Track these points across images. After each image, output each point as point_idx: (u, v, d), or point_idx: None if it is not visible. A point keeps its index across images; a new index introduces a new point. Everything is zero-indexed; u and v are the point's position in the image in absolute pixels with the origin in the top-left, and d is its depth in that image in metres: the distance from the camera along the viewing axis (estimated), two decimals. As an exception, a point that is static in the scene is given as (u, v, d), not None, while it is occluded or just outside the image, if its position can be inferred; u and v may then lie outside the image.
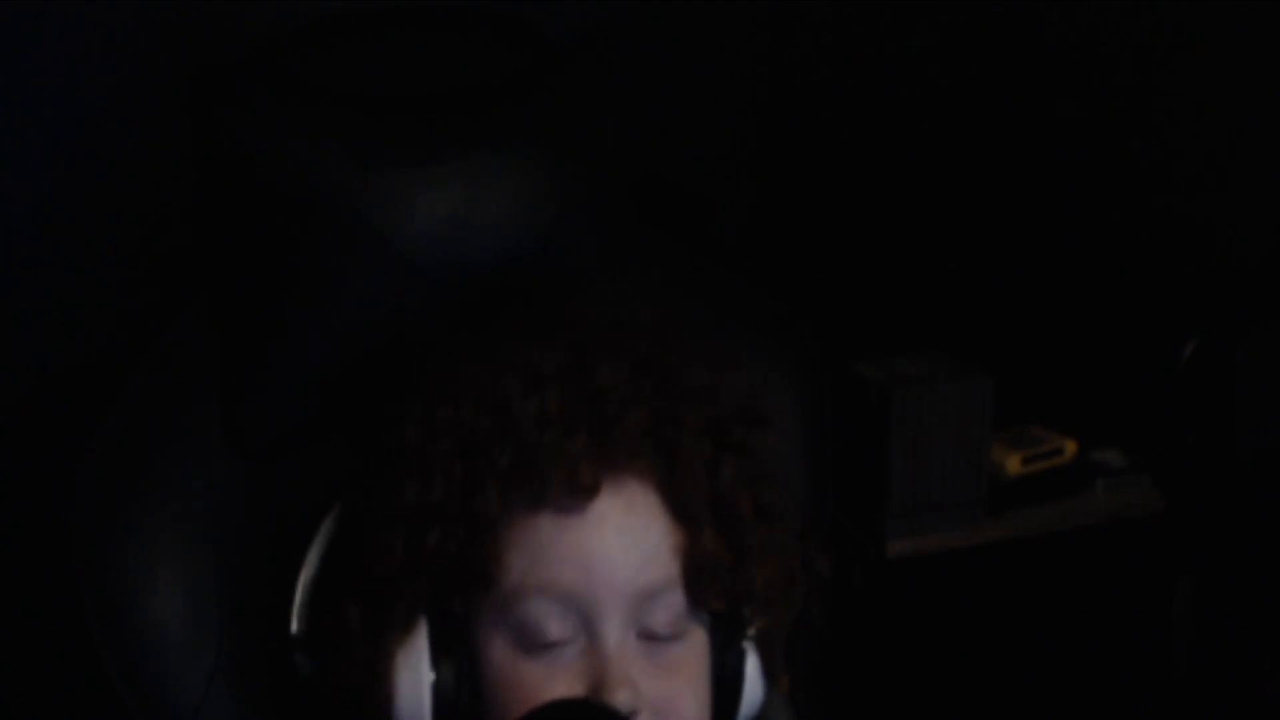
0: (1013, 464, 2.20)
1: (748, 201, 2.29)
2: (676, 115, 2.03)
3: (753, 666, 1.11)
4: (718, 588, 1.07)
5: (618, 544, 1.04)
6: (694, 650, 1.08)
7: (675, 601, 1.06)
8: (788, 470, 1.23)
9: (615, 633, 1.03)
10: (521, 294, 1.16)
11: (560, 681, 1.03)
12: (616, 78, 1.27)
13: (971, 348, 2.22)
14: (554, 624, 1.03)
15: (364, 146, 1.18)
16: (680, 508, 1.06)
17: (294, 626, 1.13)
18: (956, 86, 2.36)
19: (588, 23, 1.39)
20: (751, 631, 1.10)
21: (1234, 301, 2.23)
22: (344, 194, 1.16)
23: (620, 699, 1.02)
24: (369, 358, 1.17)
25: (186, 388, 1.19)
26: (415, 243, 1.17)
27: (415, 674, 1.05)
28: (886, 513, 2.12)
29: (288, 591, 1.14)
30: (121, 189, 1.71)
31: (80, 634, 1.13)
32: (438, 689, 1.05)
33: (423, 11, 1.27)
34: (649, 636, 1.05)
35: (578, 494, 1.03)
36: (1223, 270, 2.26)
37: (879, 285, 2.35)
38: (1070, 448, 2.25)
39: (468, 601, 1.05)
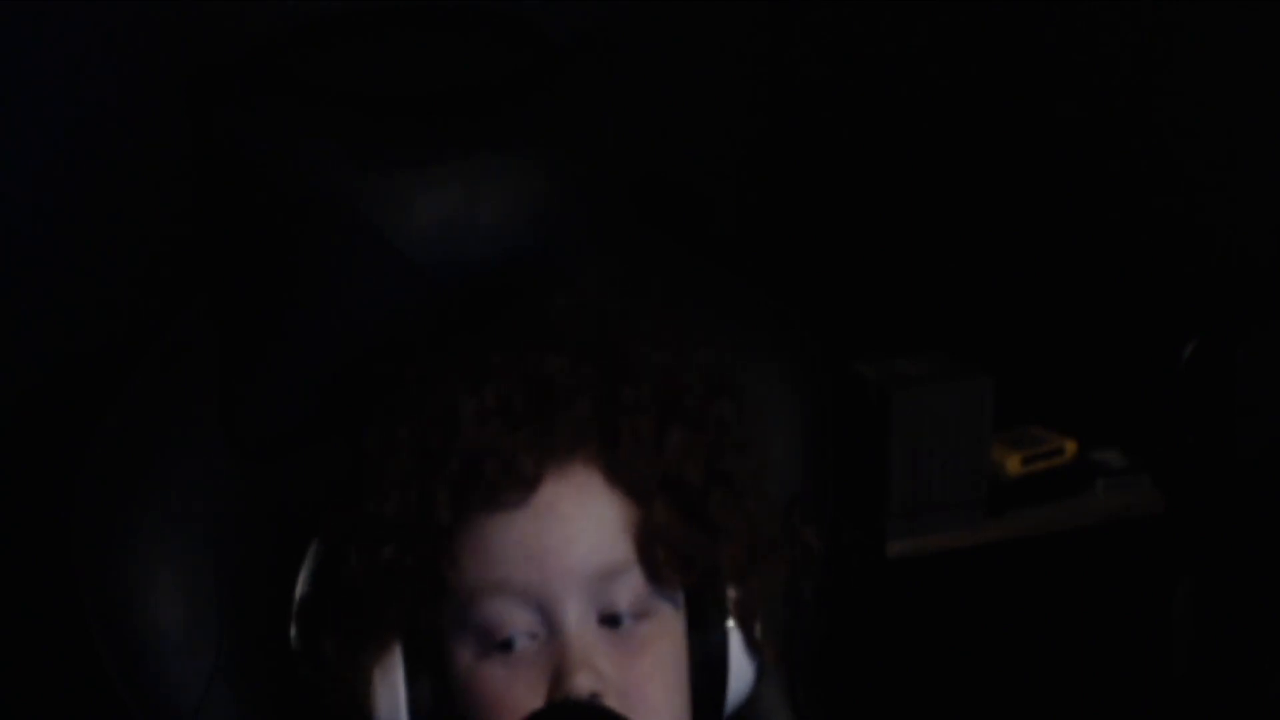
0: (1013, 464, 2.20)
1: (748, 201, 2.29)
2: (676, 115, 2.03)
3: (736, 645, 1.10)
4: (675, 561, 1.06)
5: (567, 531, 1.04)
6: (663, 631, 1.07)
7: (635, 582, 1.05)
8: (787, 470, 1.23)
9: (574, 619, 1.03)
10: (512, 293, 1.16)
11: (521, 678, 1.03)
12: (616, 78, 1.27)
13: (971, 348, 2.22)
14: (513, 621, 1.03)
15: (364, 146, 1.18)
16: (628, 484, 1.06)
17: (293, 632, 1.14)
18: (956, 86, 2.36)
19: (588, 23, 1.39)
20: (729, 604, 1.10)
21: (1234, 301, 2.23)
22: (344, 194, 1.16)
23: (579, 682, 1.01)
24: (369, 358, 1.17)
25: (186, 388, 1.19)
26: (415, 243, 1.17)
27: (392, 692, 1.05)
28: (886, 513, 2.12)
29: (288, 592, 1.14)
30: (122, 189, 1.71)
31: (80, 634, 1.13)
32: (414, 707, 1.05)
33: (423, 11, 1.28)
34: (612, 621, 1.05)
35: (518, 487, 1.03)
36: (1223, 270, 2.26)
37: (879, 285, 2.35)
38: (1070, 448, 2.25)
39: (431, 613, 1.05)
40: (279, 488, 1.18)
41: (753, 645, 1.11)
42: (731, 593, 1.10)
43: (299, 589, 1.13)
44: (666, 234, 1.32)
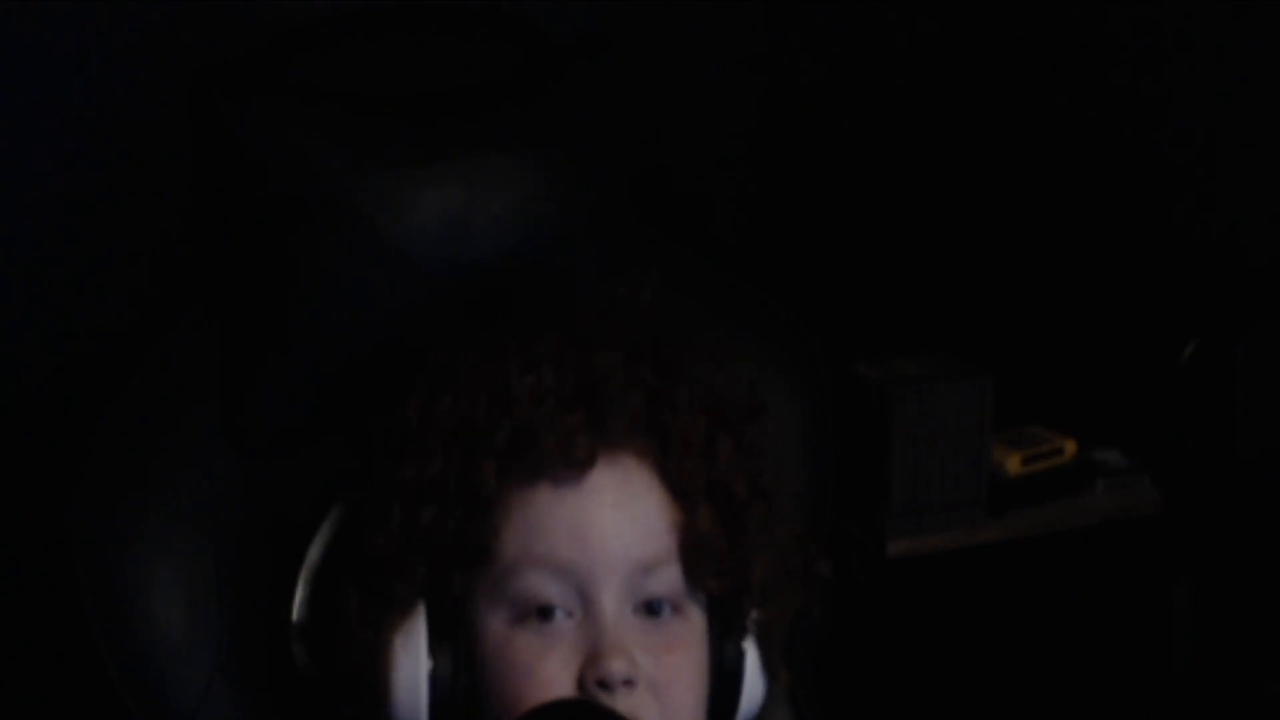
0: (1013, 464, 2.20)
1: (748, 201, 2.29)
2: (676, 115, 2.03)
3: (753, 663, 1.11)
4: (713, 566, 1.07)
5: (614, 516, 1.05)
6: (692, 631, 1.08)
7: (672, 576, 1.06)
8: (788, 470, 1.23)
9: (612, 604, 1.04)
10: (515, 293, 1.17)
11: (556, 653, 1.03)
12: (616, 78, 1.27)
13: (971, 348, 2.22)
14: (551, 595, 1.04)
15: (364, 146, 1.18)
16: (676, 485, 1.07)
17: (293, 627, 1.14)
18: (957, 86, 2.36)
19: (588, 23, 1.39)
20: (750, 623, 1.10)
21: (1234, 301, 2.23)
22: (344, 194, 1.16)
23: (616, 668, 1.02)
24: (369, 357, 1.17)
25: (186, 388, 1.19)
26: (415, 243, 1.17)
27: (413, 660, 1.05)
28: (886, 513, 2.12)
29: (287, 592, 1.14)
30: (122, 189, 1.71)
31: (80, 634, 1.13)
32: (434, 677, 1.05)
33: (422, 11, 1.27)
34: (647, 612, 1.06)
35: (574, 466, 1.04)
36: (1223, 270, 2.26)
37: (879, 285, 2.35)
38: (1070, 448, 2.25)
39: (465, 579, 1.05)
40: (279, 487, 1.18)
41: (767, 665, 1.12)
42: (754, 614, 1.11)
43: (307, 567, 1.13)
44: (667, 234, 1.32)
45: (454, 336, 1.11)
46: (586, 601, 1.04)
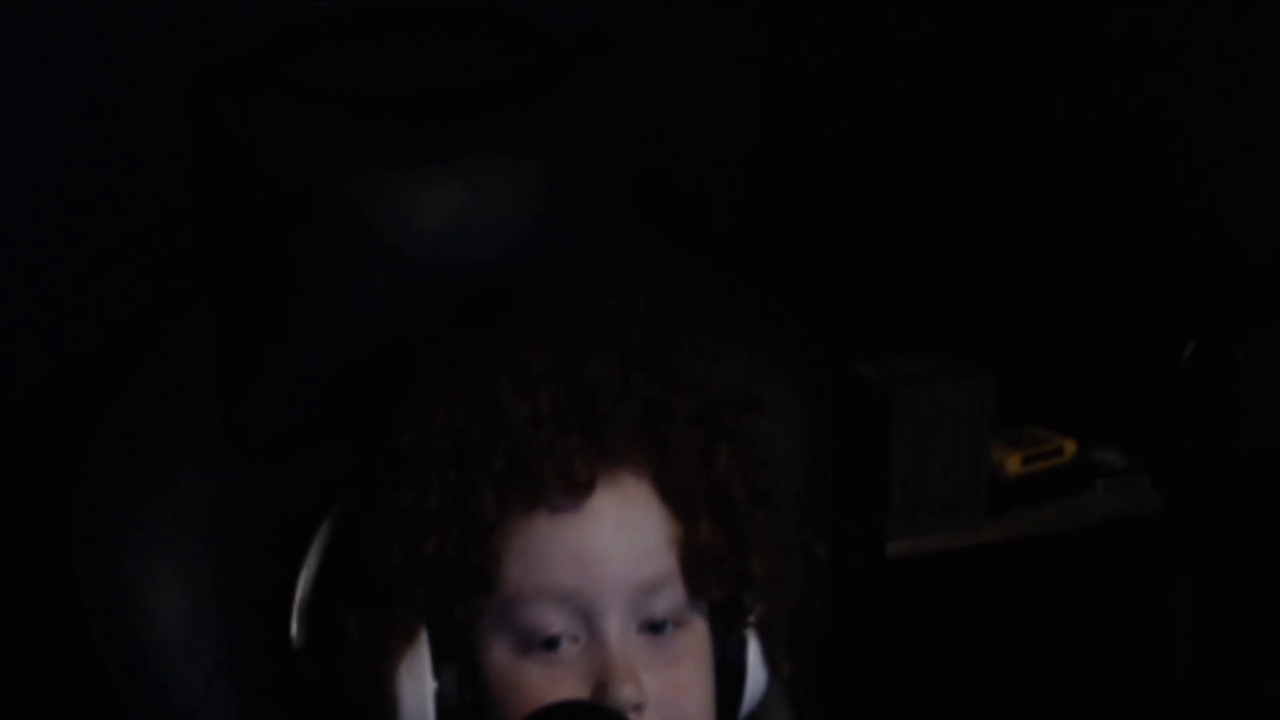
0: (1013, 464, 2.20)
1: (747, 201, 2.29)
2: (676, 115, 2.03)
3: (754, 654, 1.11)
4: (716, 577, 1.07)
5: (615, 540, 1.04)
6: (696, 640, 1.08)
7: (675, 593, 1.06)
8: (788, 470, 1.23)
9: (617, 629, 1.04)
10: (514, 293, 1.16)
11: (564, 681, 1.03)
12: (616, 78, 1.27)
13: (971, 348, 2.22)
14: (556, 624, 1.03)
15: (364, 146, 1.18)
16: (675, 499, 1.06)
17: (294, 631, 1.13)
18: (957, 86, 2.36)
19: (588, 23, 1.39)
20: (752, 618, 1.10)
21: (1234, 301, 2.23)
22: (344, 194, 1.16)
23: (625, 694, 1.02)
24: (369, 358, 1.17)
25: (187, 387, 1.19)
26: (415, 243, 1.17)
27: (418, 682, 1.05)
28: (886, 512, 2.12)
29: (288, 592, 1.14)
30: (122, 189, 1.71)
31: (80, 634, 1.13)
32: (441, 697, 1.05)
33: (422, 11, 1.28)
34: (651, 630, 1.05)
35: (573, 491, 1.03)
36: (1223, 270, 2.26)
37: (879, 285, 2.35)
38: (1070, 448, 2.25)
39: (468, 607, 1.05)
40: (279, 488, 1.18)
41: (769, 656, 1.12)
42: (755, 606, 1.10)
43: (305, 575, 1.13)
44: (666, 234, 1.32)
45: (447, 340, 1.10)
46: (591, 627, 1.04)
